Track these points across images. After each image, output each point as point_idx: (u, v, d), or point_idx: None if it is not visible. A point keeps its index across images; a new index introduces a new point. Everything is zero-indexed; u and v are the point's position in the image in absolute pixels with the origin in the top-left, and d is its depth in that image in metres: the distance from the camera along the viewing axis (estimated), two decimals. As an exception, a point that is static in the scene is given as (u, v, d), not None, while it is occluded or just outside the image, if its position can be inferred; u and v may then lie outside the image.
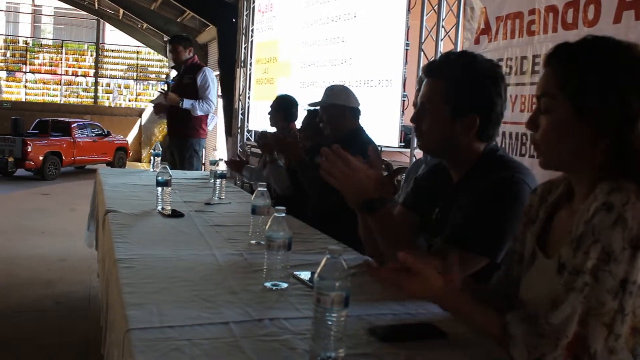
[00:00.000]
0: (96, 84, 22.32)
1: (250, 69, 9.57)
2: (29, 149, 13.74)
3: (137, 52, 22.27)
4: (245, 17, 9.76)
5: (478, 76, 1.68)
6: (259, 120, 8.40)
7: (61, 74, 22.13)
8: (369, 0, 6.06)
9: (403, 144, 5.35)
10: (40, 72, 22.10)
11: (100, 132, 16.58)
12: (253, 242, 2.21)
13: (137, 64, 22.63)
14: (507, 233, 1.57)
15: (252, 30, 9.48)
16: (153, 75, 22.81)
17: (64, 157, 14.76)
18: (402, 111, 5.29)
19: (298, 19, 7.59)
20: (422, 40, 5.28)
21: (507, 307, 1.28)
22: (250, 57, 9.56)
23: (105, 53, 22.46)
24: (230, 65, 10.46)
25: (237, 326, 1.36)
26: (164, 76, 21.88)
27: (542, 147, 1.24)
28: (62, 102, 21.64)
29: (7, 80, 21.99)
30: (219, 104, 9.61)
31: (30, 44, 22.43)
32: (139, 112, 21.28)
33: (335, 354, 1.18)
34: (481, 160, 1.72)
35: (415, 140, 1.84)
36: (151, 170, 4.32)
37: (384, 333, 1.34)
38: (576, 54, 1.20)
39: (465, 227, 1.63)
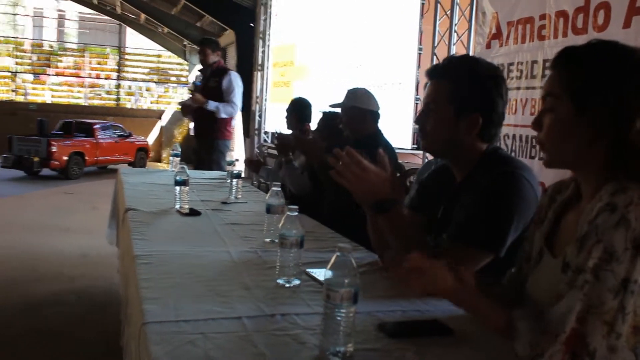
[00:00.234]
0: (118, 86, 22.49)
1: (267, 72, 9.59)
2: (54, 149, 13.86)
3: (158, 56, 22.41)
4: (262, 21, 9.79)
5: (481, 77, 1.70)
6: (276, 122, 8.42)
7: (85, 77, 22.33)
8: (383, 6, 6.07)
9: (416, 146, 5.35)
10: (65, 75, 22.31)
11: (122, 133, 16.69)
12: (267, 240, 2.22)
13: (158, 67, 22.78)
14: (508, 227, 1.59)
15: (269, 35, 9.50)
16: (173, 78, 22.94)
17: (87, 157, 14.87)
18: (415, 114, 5.29)
19: (314, 24, 7.60)
20: (435, 45, 5.28)
21: (518, 305, 1.29)
22: (267, 60, 9.58)
23: (127, 56, 22.62)
24: (248, 69, 10.50)
25: (249, 321, 1.36)
26: (184, 79, 22.01)
27: (546, 146, 1.25)
28: (85, 104, 21.83)
29: (32, 83, 22.23)
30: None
31: (55, 48, 22.65)
32: (160, 114, 21.40)
33: (344, 349, 1.18)
34: (483, 160, 1.73)
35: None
36: (170, 170, 4.34)
37: (392, 329, 1.35)
38: (580, 56, 1.21)
39: (468, 225, 1.63)
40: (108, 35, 22.48)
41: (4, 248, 5.90)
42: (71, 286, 4.63)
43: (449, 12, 5.15)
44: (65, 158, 14.14)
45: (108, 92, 22.63)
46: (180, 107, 6.54)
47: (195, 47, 17.95)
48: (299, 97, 4.66)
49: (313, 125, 4.28)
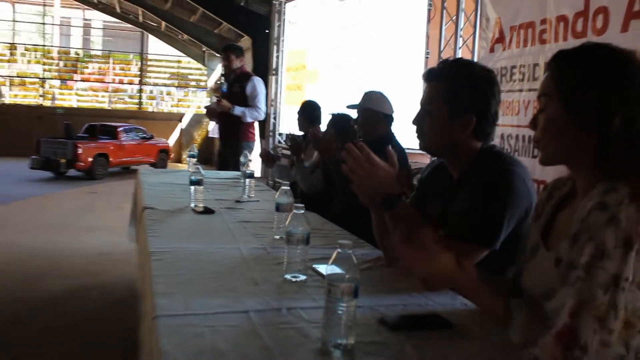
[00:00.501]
0: (140, 91, 22.62)
1: (280, 76, 9.61)
2: (80, 151, 13.96)
3: (178, 62, 22.52)
4: (276, 28, 9.80)
5: (474, 79, 1.71)
6: (289, 123, 8.43)
7: (109, 82, 22.50)
8: (391, 12, 6.05)
9: (423, 147, 5.32)
10: (90, 81, 22.49)
11: (144, 135, 16.78)
12: (277, 237, 2.21)
13: (178, 72, 22.89)
14: (503, 221, 1.61)
15: (283, 41, 9.52)
16: (193, 83, 23.03)
17: (111, 159, 14.97)
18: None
19: (325, 30, 7.60)
20: (442, 49, 5.25)
21: (517, 296, 1.28)
22: (281, 65, 9.60)
23: (149, 62, 22.75)
24: (264, 73, 10.51)
25: (256, 315, 1.36)
26: (203, 83, 22.09)
27: (541, 143, 1.25)
28: (109, 108, 21.98)
29: (60, 88, 22.41)
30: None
31: (81, 55, 22.83)
32: (180, 117, 21.51)
33: (345, 341, 1.18)
34: (479, 158, 1.73)
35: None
36: (187, 170, 4.35)
37: (393, 323, 1.34)
38: (570, 58, 1.22)
39: (465, 221, 1.64)
40: (131, 43, 22.61)
41: (31, 245, 5.96)
42: (93, 282, 4.66)
43: (454, 18, 5.13)
44: (90, 159, 14.24)
45: (131, 97, 22.78)
46: (206, 110, 6.55)
47: (214, 52, 18.05)
48: (309, 100, 4.67)
49: (322, 126, 4.28)
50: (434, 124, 1.74)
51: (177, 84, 23.02)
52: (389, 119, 3.33)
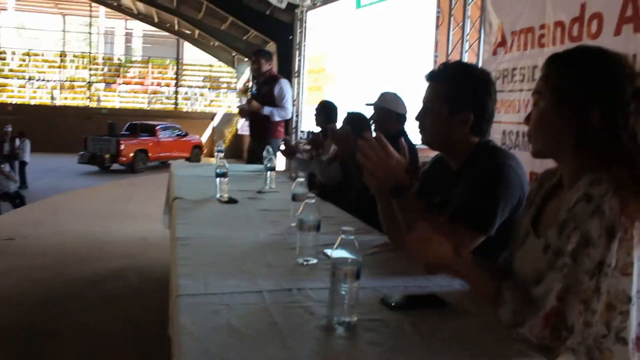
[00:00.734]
0: (176, 92, 22.80)
1: (302, 79, 9.61)
2: (122, 147, 14.14)
3: (210, 65, 22.65)
4: (299, 34, 9.79)
5: (472, 80, 1.70)
6: (311, 122, 8.41)
7: (148, 85, 22.70)
8: (403, 19, 6.00)
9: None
10: (131, 84, 22.71)
11: (179, 132, 16.92)
12: (293, 224, 2.20)
13: (210, 75, 23.01)
14: (497, 210, 1.60)
15: (304, 46, 9.51)
16: (224, 85, 23.13)
17: (150, 154, 15.13)
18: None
19: (342, 36, 7.57)
20: (449, 53, 5.20)
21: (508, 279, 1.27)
22: (303, 68, 9.59)
23: (184, 66, 22.91)
24: (287, 75, 10.51)
25: (269, 294, 1.36)
26: (233, 85, 22.16)
27: (532, 136, 1.24)
28: (148, 108, 22.18)
29: (104, 91, 22.67)
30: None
31: (123, 61, 23.07)
32: (212, 116, 21.62)
33: (349, 319, 1.18)
34: (476, 152, 1.72)
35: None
36: (215, 164, 4.36)
37: (393, 302, 1.33)
38: (561, 58, 1.20)
39: (463, 209, 1.62)
40: (168, 49, 22.79)
41: (78, 231, 6.06)
42: (131, 264, 4.72)
43: (461, 24, 5.07)
44: (132, 155, 14.42)
45: (168, 98, 22.98)
46: (238, 110, 6.57)
47: (242, 57, 18.10)
48: (326, 100, 4.66)
49: (338, 124, 4.26)
50: (434, 120, 1.74)
51: (210, 86, 23.14)
52: (401, 117, 3.32)
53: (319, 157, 3.82)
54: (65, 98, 22.33)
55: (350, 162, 3.22)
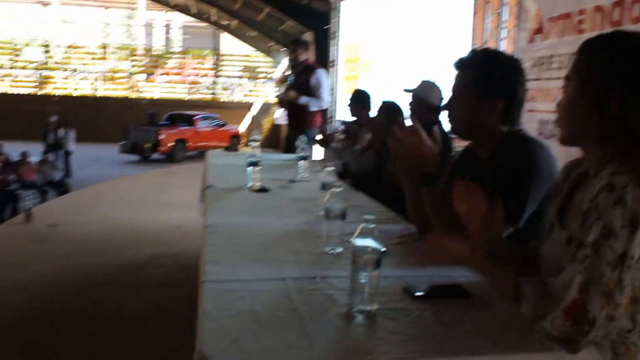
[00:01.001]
0: (215, 82, 23.03)
1: (337, 68, 9.58)
2: (162, 137, 14.38)
3: (248, 56, 22.76)
4: (334, 23, 9.75)
5: (501, 67, 1.68)
6: (346, 111, 8.39)
7: (187, 75, 22.99)
8: (440, 6, 5.91)
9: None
10: (170, 74, 23.04)
11: (217, 122, 17.10)
12: (321, 213, 2.22)
13: (247, 66, 23.15)
14: (525, 201, 1.57)
15: (339, 35, 9.47)
16: (261, 75, 23.23)
17: (189, 143, 15.35)
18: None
19: (376, 24, 7.52)
20: (486, 40, 5.10)
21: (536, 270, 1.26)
22: (338, 57, 9.56)
23: (222, 57, 23.09)
24: (324, 65, 10.48)
25: (292, 282, 1.37)
26: (270, 75, 22.24)
27: (559, 121, 1.21)
28: (187, 99, 22.48)
29: (145, 82, 23.07)
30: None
31: (163, 52, 23.40)
32: (250, 106, 21.76)
33: (369, 307, 1.18)
34: (505, 140, 1.68)
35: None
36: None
37: (416, 291, 1.33)
38: (593, 44, 1.16)
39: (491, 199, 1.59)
40: (206, 40, 23.00)
41: (117, 219, 6.23)
42: (167, 251, 4.82)
43: (498, 11, 4.96)
44: (171, 144, 14.66)
45: (207, 88, 23.21)
46: (277, 100, 6.61)
47: (280, 46, 18.12)
48: (360, 89, 4.64)
49: (372, 112, 4.24)
50: (463, 108, 1.71)
51: (247, 76, 23.29)
52: (433, 108, 3.26)
53: (353, 146, 3.82)
54: (107, 89, 22.85)
55: (384, 151, 3.21)
